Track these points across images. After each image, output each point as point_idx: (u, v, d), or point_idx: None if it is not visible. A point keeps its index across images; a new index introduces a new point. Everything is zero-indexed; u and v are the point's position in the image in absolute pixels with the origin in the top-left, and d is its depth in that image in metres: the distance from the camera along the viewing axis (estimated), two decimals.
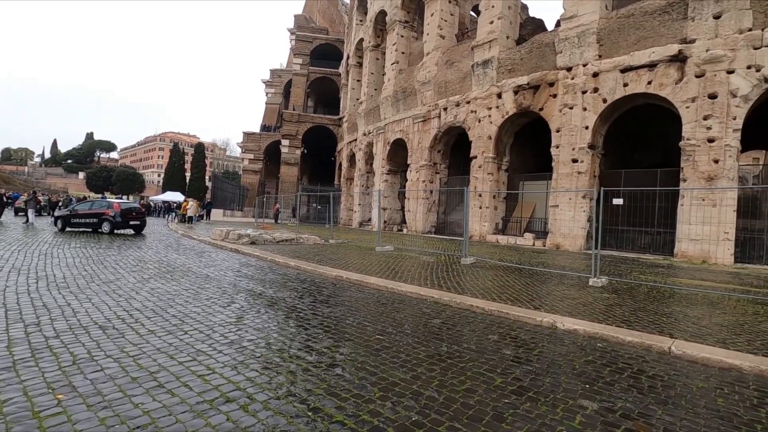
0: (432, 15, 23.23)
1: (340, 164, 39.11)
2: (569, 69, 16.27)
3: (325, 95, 50.03)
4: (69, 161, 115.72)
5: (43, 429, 2.41)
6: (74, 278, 7.02)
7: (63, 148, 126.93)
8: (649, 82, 14.12)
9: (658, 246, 15.00)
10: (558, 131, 16.56)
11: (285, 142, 43.07)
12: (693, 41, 13.26)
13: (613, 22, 15.19)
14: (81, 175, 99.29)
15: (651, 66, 14.06)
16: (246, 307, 5.58)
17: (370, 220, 28.92)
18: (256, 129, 50.90)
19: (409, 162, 24.13)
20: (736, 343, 4.51)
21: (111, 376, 3.16)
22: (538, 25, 21.93)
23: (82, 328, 4.34)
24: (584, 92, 15.77)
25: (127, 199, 63.49)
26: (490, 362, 3.82)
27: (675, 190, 13.25)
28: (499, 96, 18.73)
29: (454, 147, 23.16)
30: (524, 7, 27.99)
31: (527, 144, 20.39)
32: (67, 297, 5.67)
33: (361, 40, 33.34)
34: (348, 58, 37.79)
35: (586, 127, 15.74)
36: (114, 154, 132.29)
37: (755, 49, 12.23)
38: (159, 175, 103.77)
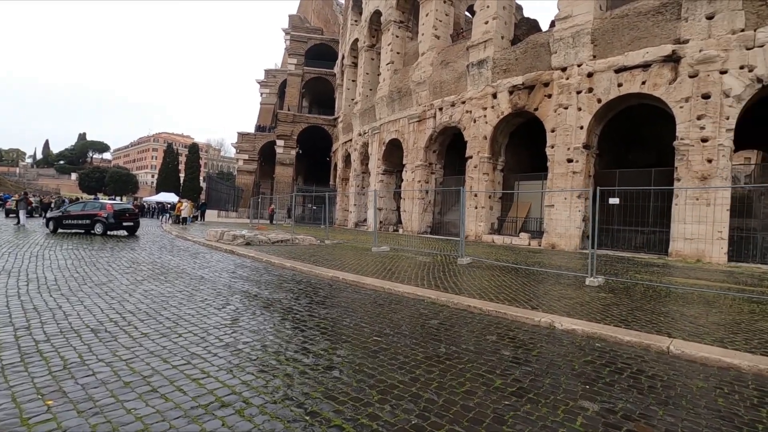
0: (427, 15, 23.23)
1: (336, 164, 39.02)
2: (564, 69, 16.32)
3: (320, 95, 49.92)
4: (61, 162, 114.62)
5: None
6: (66, 280, 6.90)
7: (55, 148, 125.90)
8: (643, 82, 14.19)
9: (653, 245, 15.09)
10: (553, 131, 16.60)
11: (280, 142, 42.90)
12: (686, 42, 13.34)
13: (608, 23, 15.26)
14: (73, 176, 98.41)
15: (645, 66, 14.13)
16: (241, 308, 5.51)
17: (365, 220, 28.86)
18: (251, 129, 50.69)
19: (404, 162, 24.11)
20: (734, 342, 4.51)
21: (103, 381, 3.08)
22: (533, 26, 22.02)
23: (74, 331, 4.25)
24: (579, 92, 15.82)
25: (121, 200, 62.95)
26: (489, 363, 3.78)
27: (669, 189, 13.34)
28: (495, 96, 18.76)
29: (450, 147, 23.18)
30: (519, 8, 28.07)
31: (522, 144, 20.45)
32: (59, 300, 5.57)
33: (356, 40, 33.28)
34: (343, 58, 37.72)
35: (581, 127, 15.79)
36: (107, 155, 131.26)
37: (748, 49, 12.33)
38: (153, 176, 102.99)
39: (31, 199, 28.37)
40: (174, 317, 4.93)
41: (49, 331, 4.21)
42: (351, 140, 32.50)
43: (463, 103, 20.28)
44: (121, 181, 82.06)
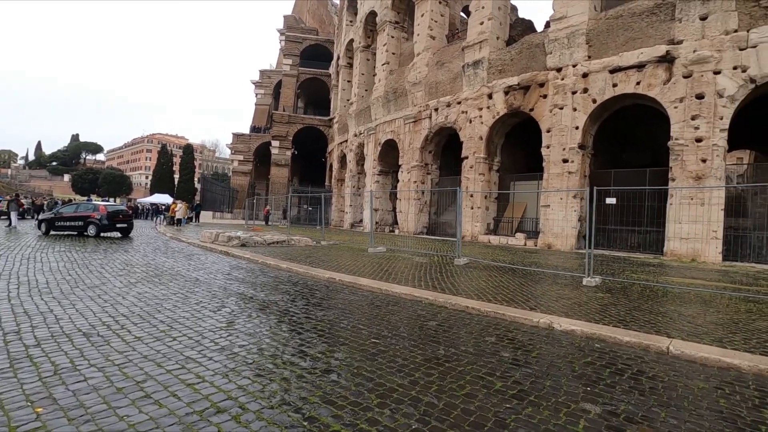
0: (422, 16, 23.23)
1: (331, 165, 38.92)
2: (559, 69, 16.36)
3: (316, 96, 49.79)
4: (54, 163, 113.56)
5: None
6: (58, 283, 6.79)
7: (48, 150, 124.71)
8: (638, 83, 14.25)
9: (648, 245, 15.15)
10: (548, 131, 16.64)
11: (275, 143, 42.73)
12: (680, 42, 13.41)
13: (602, 23, 15.32)
14: (66, 177, 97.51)
15: (639, 66, 14.19)
16: (237, 311, 5.44)
17: (361, 221, 28.79)
18: (246, 130, 50.45)
19: (400, 163, 24.07)
20: (733, 341, 4.50)
21: (94, 387, 3.00)
22: (528, 26, 22.06)
23: (65, 335, 4.16)
24: (574, 93, 15.87)
25: (114, 201, 62.44)
26: (489, 365, 3.74)
27: (664, 189, 13.39)
28: (490, 96, 18.77)
29: (446, 147, 23.17)
30: (514, 8, 28.15)
31: (518, 144, 20.47)
32: (50, 303, 5.47)
33: (352, 40, 33.23)
34: (338, 58, 37.64)
35: (577, 128, 15.83)
36: (100, 156, 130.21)
37: (741, 50, 12.41)
38: (147, 177, 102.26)
39: (22, 200, 28.04)
40: (168, 320, 4.85)
41: (40, 336, 4.12)
42: (346, 141, 32.43)
43: (459, 103, 20.28)
44: (115, 183, 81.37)
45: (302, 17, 54.73)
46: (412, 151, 23.11)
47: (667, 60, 13.60)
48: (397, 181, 24.70)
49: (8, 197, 23.94)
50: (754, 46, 12.17)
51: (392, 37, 26.66)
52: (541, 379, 3.46)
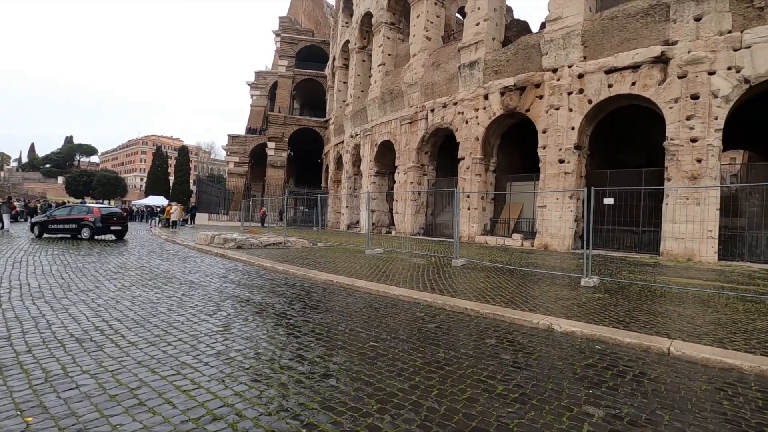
0: (418, 17, 23.23)
1: (327, 166, 38.83)
2: (555, 70, 16.40)
3: (311, 97, 49.70)
4: (47, 166, 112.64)
5: None
6: (50, 287, 6.68)
7: (41, 152, 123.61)
8: (633, 83, 14.30)
9: (644, 245, 15.20)
10: (544, 132, 16.66)
11: (271, 144, 42.59)
12: (675, 43, 13.48)
13: (597, 24, 15.37)
14: (60, 179, 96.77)
15: (635, 67, 14.25)
16: (233, 314, 5.36)
17: (358, 222, 28.72)
18: (241, 131, 50.27)
19: (396, 164, 24.04)
20: (733, 342, 4.48)
21: (87, 395, 2.92)
22: (523, 27, 22.14)
23: (57, 341, 4.08)
24: (570, 93, 15.90)
25: (109, 203, 61.96)
26: (490, 368, 3.69)
27: (660, 189, 13.43)
28: (486, 97, 18.79)
29: (442, 148, 23.17)
30: (509, 9, 28.22)
31: (514, 145, 20.50)
32: (42, 308, 5.37)
33: (347, 41, 33.19)
34: (334, 60, 37.60)
35: (572, 128, 15.86)
36: (95, 158, 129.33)
37: (735, 50, 12.48)
38: (142, 179, 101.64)
39: (15, 203, 27.74)
40: (163, 324, 4.76)
41: (31, 341, 4.03)
42: (343, 142, 32.37)
43: (455, 104, 20.28)
44: (110, 185, 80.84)
45: (298, 18, 54.65)
46: (409, 152, 23.08)
47: (662, 61, 13.66)
48: (394, 182, 24.66)
49: (0, 200, 23.63)
50: (748, 47, 12.24)
51: (388, 38, 26.64)
52: (543, 382, 3.42)
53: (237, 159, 46.64)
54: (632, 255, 14.31)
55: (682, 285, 8.18)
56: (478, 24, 19.29)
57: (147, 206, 42.52)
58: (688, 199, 13.09)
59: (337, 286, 7.66)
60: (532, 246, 16.73)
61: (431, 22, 23.06)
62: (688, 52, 13.14)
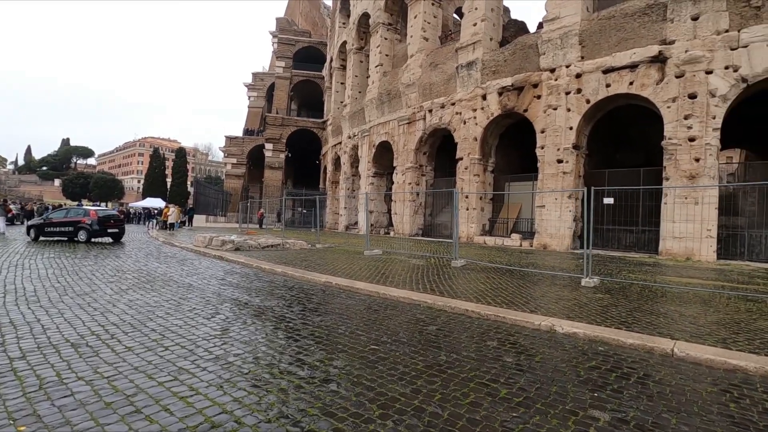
0: (415, 17, 23.20)
1: (325, 167, 38.76)
2: (552, 70, 16.39)
3: (309, 98, 49.63)
4: (44, 168, 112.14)
5: None
6: (46, 291, 6.60)
7: (37, 154, 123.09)
8: (631, 83, 14.30)
9: (643, 244, 15.19)
10: (543, 132, 16.65)
11: (269, 145, 42.48)
12: (672, 42, 13.48)
13: (595, 24, 15.37)
14: (57, 182, 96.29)
15: (632, 67, 14.24)
16: (231, 318, 5.30)
17: (356, 223, 28.66)
18: (239, 133, 50.16)
19: (394, 164, 23.99)
20: (736, 342, 4.44)
21: (82, 402, 2.86)
22: (521, 27, 22.13)
23: (52, 346, 4.01)
24: (568, 93, 15.89)
25: (106, 206, 61.71)
26: (493, 371, 3.64)
27: (659, 188, 13.42)
28: (484, 97, 18.76)
29: (440, 149, 23.14)
30: (506, 10, 28.25)
31: (512, 145, 20.49)
32: (37, 312, 5.29)
33: (345, 42, 33.13)
34: (331, 61, 37.53)
35: (571, 128, 15.85)
36: (91, 161, 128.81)
37: (732, 49, 12.49)
38: (139, 181, 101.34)
39: (11, 206, 27.56)
40: (160, 329, 4.70)
41: (26, 347, 3.96)
42: (340, 143, 32.30)
43: (453, 104, 20.26)
44: (107, 187, 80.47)
45: (295, 19, 54.61)
46: (407, 153, 23.04)
47: (660, 60, 13.66)
48: (392, 182, 24.61)
49: None
50: (746, 46, 12.25)
51: (385, 38, 26.61)
52: (547, 385, 3.37)
53: (234, 160, 46.53)
54: (631, 254, 14.29)
55: (682, 284, 8.16)
56: (475, 24, 19.27)
57: (144, 208, 42.38)
58: (686, 198, 13.09)
59: (337, 288, 7.60)
60: (531, 246, 16.70)
61: (428, 23, 23.04)
62: (686, 51, 13.14)
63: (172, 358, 3.78)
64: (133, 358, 3.76)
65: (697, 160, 13.02)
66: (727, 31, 12.61)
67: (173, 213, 26.31)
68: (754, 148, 22.78)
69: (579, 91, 15.58)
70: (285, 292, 7.12)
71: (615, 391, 3.27)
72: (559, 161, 16.12)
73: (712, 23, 12.83)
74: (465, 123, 19.60)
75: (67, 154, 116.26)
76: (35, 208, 31.90)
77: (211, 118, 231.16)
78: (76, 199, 70.72)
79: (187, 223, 31.12)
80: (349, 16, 32.66)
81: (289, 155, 43.57)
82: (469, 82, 19.40)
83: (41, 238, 16.13)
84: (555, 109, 16.23)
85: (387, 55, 26.62)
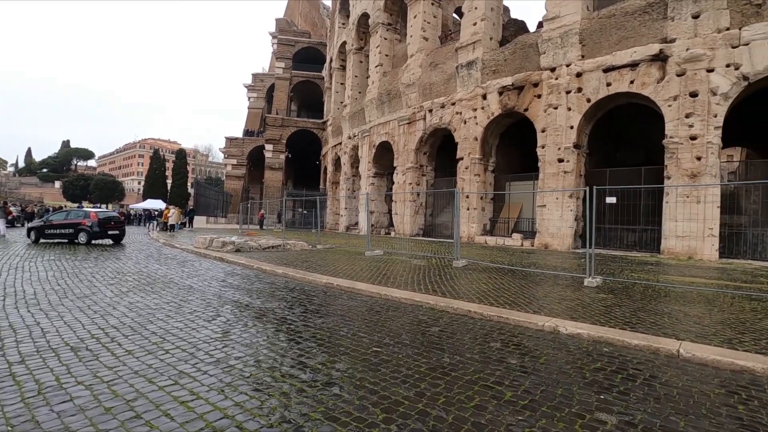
0: (415, 17, 23.17)
1: (325, 168, 38.72)
2: (553, 69, 16.34)
3: (309, 99, 49.60)
4: (44, 170, 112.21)
5: None
6: (46, 294, 6.56)
7: (38, 156, 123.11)
8: (632, 82, 14.25)
9: (645, 243, 15.14)
10: (543, 131, 16.60)
11: (269, 146, 42.45)
12: (673, 41, 13.43)
13: (595, 23, 15.32)
14: (57, 184, 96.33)
15: (633, 65, 14.20)
16: (232, 320, 5.26)
17: (356, 223, 28.62)
18: (239, 134, 50.13)
19: (395, 164, 23.95)
20: (742, 342, 4.40)
21: (81, 408, 2.82)
22: (521, 27, 22.10)
23: (52, 350, 3.97)
24: (568, 92, 15.85)
25: (106, 207, 61.70)
26: (497, 373, 3.60)
27: (660, 187, 13.37)
28: (484, 97, 18.72)
29: (440, 149, 23.09)
30: (506, 9, 28.21)
31: (513, 144, 20.44)
32: (37, 315, 5.25)
33: (344, 43, 33.11)
34: (331, 61, 37.50)
35: (571, 127, 15.81)
36: (92, 162, 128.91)
37: (733, 47, 12.44)
38: (139, 183, 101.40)
39: (11, 208, 27.53)
40: (161, 331, 4.66)
41: (25, 351, 3.92)
42: (341, 143, 32.27)
43: (453, 104, 20.22)
44: (107, 189, 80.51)
45: (294, 20, 54.57)
46: (407, 153, 23.00)
47: (661, 58, 13.61)
48: (393, 183, 24.57)
49: None
50: (747, 44, 12.20)
51: (385, 38, 26.58)
52: (552, 387, 3.33)
53: (235, 161, 46.50)
54: (633, 254, 14.24)
55: (685, 284, 8.11)
56: (475, 24, 19.24)
57: (145, 210, 42.33)
58: (688, 197, 13.04)
59: (338, 290, 7.56)
60: (532, 246, 16.65)
61: (428, 23, 23.00)
62: (687, 49, 13.10)
63: (173, 361, 3.75)
64: (134, 361, 3.72)
65: (699, 158, 12.97)
66: (728, 29, 12.56)
67: (174, 214, 26.28)
68: (754, 146, 22.73)
69: (579, 90, 15.54)
70: (286, 294, 7.08)
71: (621, 393, 3.22)
72: (560, 160, 16.07)
73: (713, 21, 12.79)
74: (465, 123, 19.56)
75: (67, 156, 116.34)
76: (36, 210, 31.90)
77: (211, 119, 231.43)
78: (77, 201, 70.71)
79: (187, 225, 31.08)
80: (348, 16, 32.64)
81: (290, 156, 43.54)
82: (470, 82, 19.36)
83: (41, 240, 16.10)
84: (555, 108, 16.18)
85: (387, 55, 26.59)
